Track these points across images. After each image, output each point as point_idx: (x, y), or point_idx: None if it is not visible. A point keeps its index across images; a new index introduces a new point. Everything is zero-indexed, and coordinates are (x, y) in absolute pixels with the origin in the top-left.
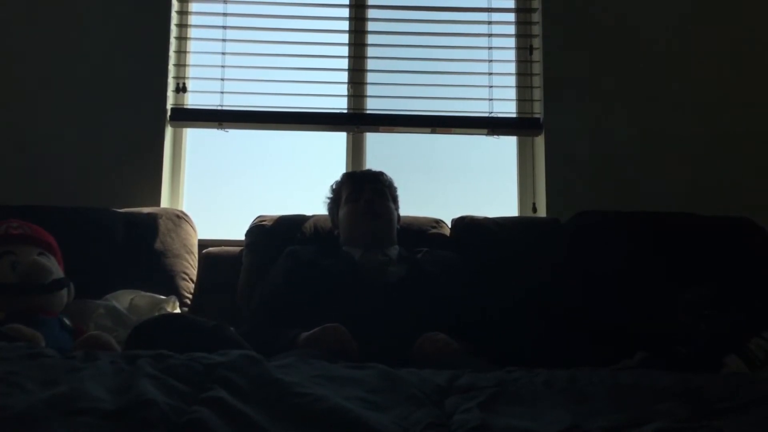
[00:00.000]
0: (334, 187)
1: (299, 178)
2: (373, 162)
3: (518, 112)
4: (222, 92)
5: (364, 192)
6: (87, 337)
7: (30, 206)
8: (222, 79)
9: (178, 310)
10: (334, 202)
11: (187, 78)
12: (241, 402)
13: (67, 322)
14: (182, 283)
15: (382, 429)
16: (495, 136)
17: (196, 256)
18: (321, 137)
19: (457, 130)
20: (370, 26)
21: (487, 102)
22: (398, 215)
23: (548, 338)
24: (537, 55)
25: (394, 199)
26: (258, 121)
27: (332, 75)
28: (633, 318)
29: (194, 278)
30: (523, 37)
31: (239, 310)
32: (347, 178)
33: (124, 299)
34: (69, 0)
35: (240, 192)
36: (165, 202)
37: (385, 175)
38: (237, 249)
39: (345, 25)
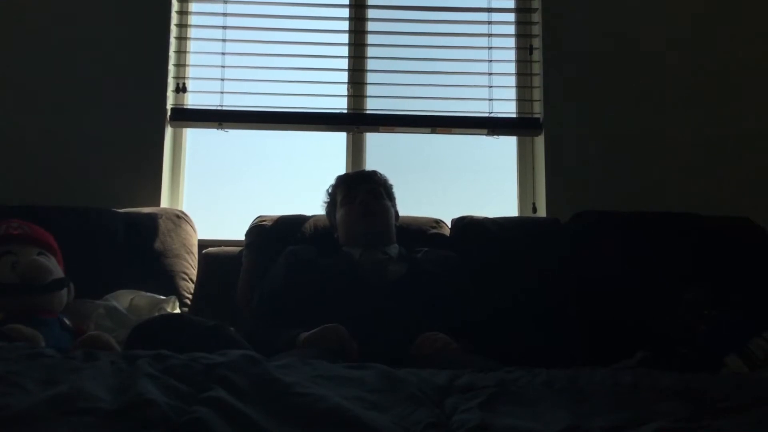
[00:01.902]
0: (329, 190)
1: (299, 178)
2: (373, 162)
3: (518, 112)
4: (222, 92)
5: (358, 193)
6: (87, 337)
7: (30, 206)
8: (222, 79)
9: (178, 310)
10: (331, 206)
11: (187, 78)
12: (241, 402)
13: (67, 322)
14: (182, 283)
15: (381, 429)
16: (495, 136)
17: (196, 256)
18: (321, 137)
19: (457, 130)
20: (370, 26)
21: (486, 102)
22: (396, 212)
23: (548, 338)
24: (537, 55)
25: (390, 196)
26: (258, 121)
27: (332, 75)
28: (633, 318)
29: (194, 278)
30: (523, 37)
31: (239, 310)
32: (341, 181)
33: (124, 299)
34: (69, 0)
35: (240, 192)
36: (165, 202)
37: (379, 173)
38: (237, 249)
39: (345, 25)
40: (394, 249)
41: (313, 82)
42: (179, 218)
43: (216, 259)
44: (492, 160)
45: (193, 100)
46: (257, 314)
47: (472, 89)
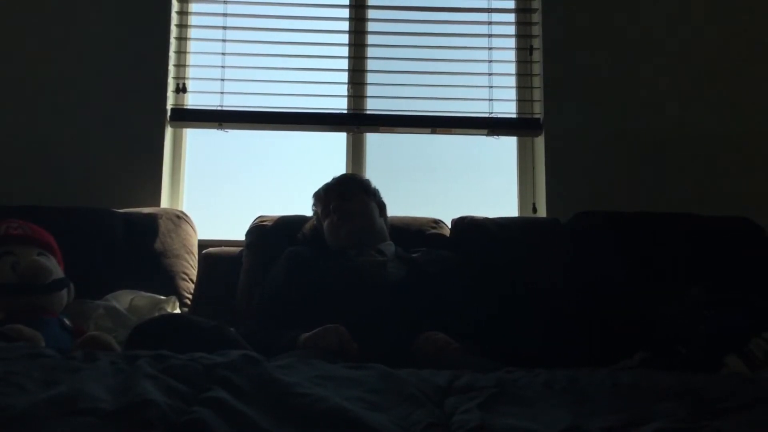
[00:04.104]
0: (313, 208)
1: (299, 178)
2: (373, 162)
3: (518, 113)
4: (222, 92)
5: (331, 201)
6: (87, 338)
7: (30, 206)
8: (222, 80)
9: (178, 310)
10: (319, 224)
11: (187, 78)
12: (241, 402)
13: (67, 322)
14: (182, 283)
15: (381, 429)
16: (495, 137)
17: (196, 256)
18: (321, 137)
19: (457, 130)
20: (370, 26)
21: (487, 102)
22: (381, 205)
23: (548, 338)
24: (537, 55)
25: (369, 193)
26: (258, 121)
27: (332, 75)
28: (633, 318)
29: (194, 278)
30: (523, 37)
31: (239, 310)
32: (316, 197)
33: (124, 299)
34: (69, 0)
35: (240, 192)
36: (165, 203)
37: (354, 177)
38: (237, 249)
39: (345, 26)
40: (389, 248)
41: (313, 82)
42: (179, 218)
43: (216, 260)
44: (492, 160)
45: (193, 101)
46: (257, 315)
47: (472, 89)
